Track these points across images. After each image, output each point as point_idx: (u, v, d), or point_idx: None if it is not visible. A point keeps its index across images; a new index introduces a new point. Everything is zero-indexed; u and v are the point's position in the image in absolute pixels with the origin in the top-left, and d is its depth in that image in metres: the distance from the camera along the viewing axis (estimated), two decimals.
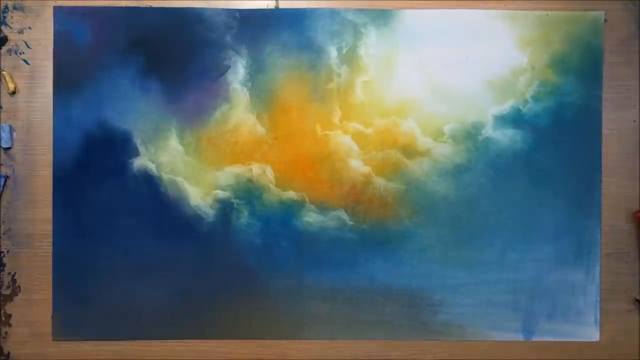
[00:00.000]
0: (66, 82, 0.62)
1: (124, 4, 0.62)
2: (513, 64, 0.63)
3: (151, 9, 0.63)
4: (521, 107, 0.63)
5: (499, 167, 0.63)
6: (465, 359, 0.63)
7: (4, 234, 0.62)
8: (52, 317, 0.62)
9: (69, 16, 0.62)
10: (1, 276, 0.62)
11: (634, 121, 0.64)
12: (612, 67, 0.63)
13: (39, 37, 0.62)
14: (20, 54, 0.62)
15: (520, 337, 0.63)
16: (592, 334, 0.63)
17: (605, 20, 0.63)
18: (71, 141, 0.62)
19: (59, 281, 0.62)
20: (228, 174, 0.63)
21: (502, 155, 0.63)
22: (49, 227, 0.62)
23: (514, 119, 0.63)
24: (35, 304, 0.62)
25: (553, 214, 0.63)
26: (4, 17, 0.62)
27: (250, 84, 0.63)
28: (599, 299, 0.63)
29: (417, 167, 0.63)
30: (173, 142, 0.63)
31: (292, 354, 0.63)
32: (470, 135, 0.63)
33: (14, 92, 0.62)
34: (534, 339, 0.63)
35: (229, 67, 0.63)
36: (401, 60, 0.63)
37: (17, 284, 0.62)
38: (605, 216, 0.63)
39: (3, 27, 0.62)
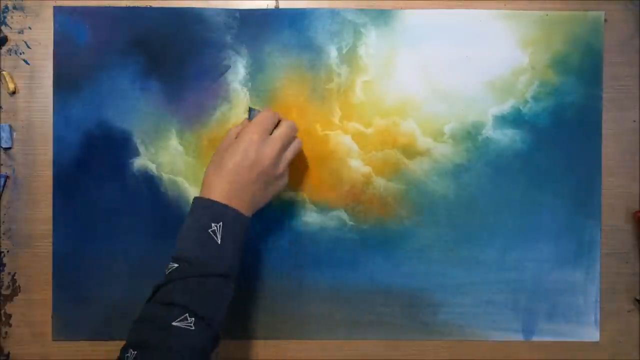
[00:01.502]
0: (66, 82, 0.62)
1: (124, 4, 0.62)
2: (513, 64, 0.63)
3: (151, 9, 0.63)
4: (521, 107, 0.63)
5: (499, 167, 0.63)
6: (465, 359, 0.63)
7: (4, 234, 0.62)
8: (52, 317, 0.62)
9: (69, 16, 0.62)
10: (1, 276, 0.62)
11: (634, 121, 0.64)
12: (612, 67, 0.63)
13: (39, 37, 0.62)
14: (20, 54, 0.62)
15: (520, 337, 0.63)
16: (592, 334, 0.63)
17: (605, 20, 0.63)
18: (71, 141, 0.62)
19: (59, 281, 0.62)
20: None
21: (502, 155, 0.63)
22: (49, 227, 0.62)
23: (514, 119, 0.63)
24: (35, 304, 0.62)
25: (553, 214, 0.63)
26: (4, 17, 0.62)
27: (250, 84, 0.63)
28: (599, 299, 0.63)
29: (417, 167, 0.63)
30: (173, 142, 0.63)
31: (292, 354, 0.63)
32: (470, 135, 0.63)
33: (14, 92, 0.62)
34: (534, 339, 0.63)
35: (229, 67, 0.63)
36: (401, 60, 0.63)
37: (17, 284, 0.62)
38: (605, 216, 0.63)
39: (3, 27, 0.62)
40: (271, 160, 0.52)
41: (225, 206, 0.50)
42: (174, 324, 0.46)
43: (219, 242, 0.49)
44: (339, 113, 0.63)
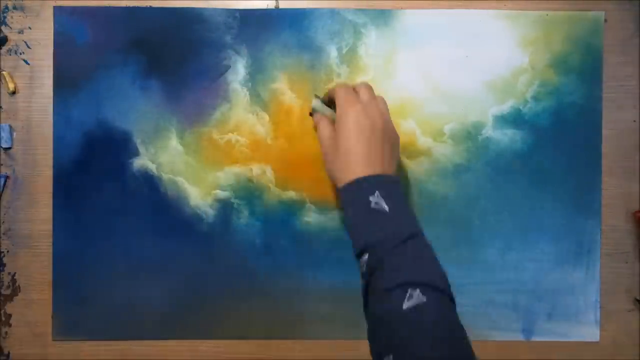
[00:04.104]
0: (66, 82, 0.62)
1: (124, 4, 0.62)
2: (513, 64, 0.63)
3: (151, 9, 0.63)
4: (521, 107, 0.63)
5: (499, 167, 0.63)
6: None
7: (4, 234, 0.62)
8: (52, 317, 0.62)
9: (69, 16, 0.62)
10: (1, 276, 0.62)
11: (634, 121, 0.64)
12: (612, 67, 0.63)
13: (39, 37, 0.62)
14: (20, 54, 0.62)
15: (520, 337, 0.63)
16: (592, 334, 0.63)
17: (605, 20, 0.63)
18: (71, 141, 0.62)
19: (59, 281, 0.62)
20: (228, 174, 0.63)
21: (502, 155, 0.63)
22: (49, 227, 0.62)
23: (514, 119, 0.63)
24: (35, 304, 0.62)
25: (553, 214, 0.63)
26: (4, 17, 0.62)
27: (250, 84, 0.63)
28: (599, 299, 0.63)
29: (417, 167, 0.63)
30: (173, 142, 0.63)
31: (292, 354, 0.63)
32: (470, 135, 0.63)
33: (14, 92, 0.62)
34: (534, 339, 0.63)
35: (229, 67, 0.63)
36: (401, 60, 0.63)
37: (17, 284, 0.62)
38: (605, 216, 0.63)
39: (3, 27, 0.62)
40: (380, 117, 0.51)
41: (368, 176, 0.47)
42: (404, 308, 0.41)
43: (387, 210, 0.46)
44: None
